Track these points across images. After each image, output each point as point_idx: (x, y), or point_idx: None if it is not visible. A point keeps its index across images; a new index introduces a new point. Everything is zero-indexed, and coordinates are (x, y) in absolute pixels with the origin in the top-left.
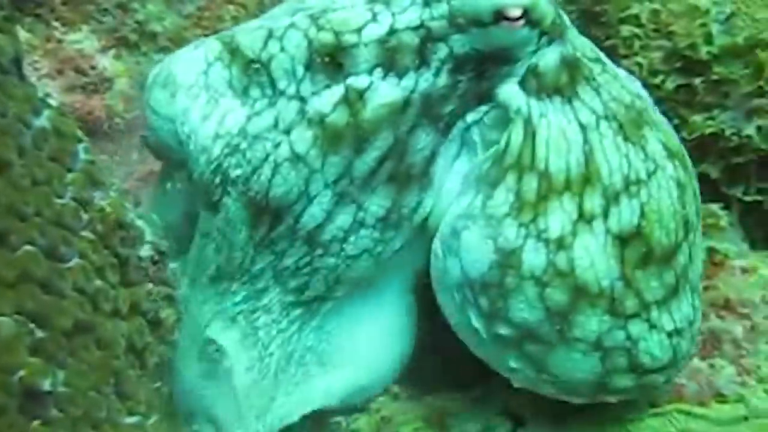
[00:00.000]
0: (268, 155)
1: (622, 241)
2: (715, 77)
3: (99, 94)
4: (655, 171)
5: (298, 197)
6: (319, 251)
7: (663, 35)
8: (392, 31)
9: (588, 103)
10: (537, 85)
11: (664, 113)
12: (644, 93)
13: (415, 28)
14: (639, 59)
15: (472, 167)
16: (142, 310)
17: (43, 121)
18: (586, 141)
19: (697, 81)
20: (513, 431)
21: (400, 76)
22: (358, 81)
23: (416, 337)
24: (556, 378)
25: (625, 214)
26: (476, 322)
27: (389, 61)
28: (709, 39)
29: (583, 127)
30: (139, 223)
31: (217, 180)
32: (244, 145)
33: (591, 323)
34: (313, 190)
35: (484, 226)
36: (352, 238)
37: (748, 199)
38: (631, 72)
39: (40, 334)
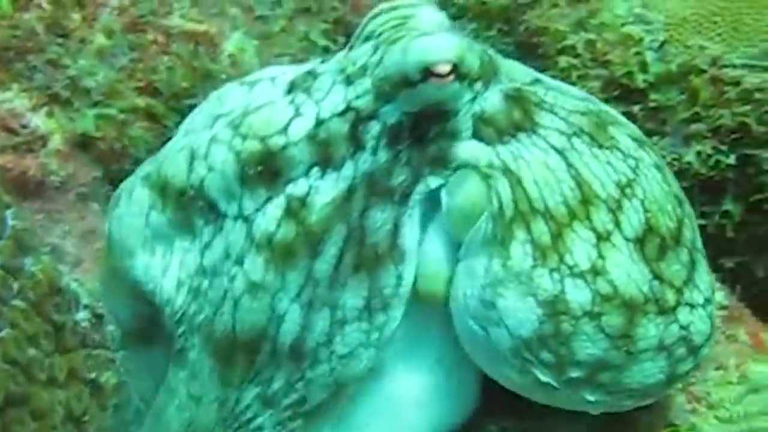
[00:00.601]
0: (226, 291)
1: (640, 241)
2: (652, 104)
3: (33, 153)
4: (637, 165)
5: (268, 323)
6: (308, 362)
7: (600, 64)
8: (320, 123)
9: (551, 126)
10: (494, 131)
11: None
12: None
13: (342, 114)
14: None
15: (465, 236)
16: (81, 376)
17: None
18: (569, 164)
19: (636, 108)
20: None
21: (338, 168)
22: (298, 188)
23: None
24: (632, 391)
25: (632, 217)
26: (545, 377)
27: (324, 157)
28: (644, 67)
29: (559, 152)
30: (74, 286)
31: (181, 329)
32: (205, 285)
33: (650, 331)
34: (279, 309)
35: (516, 287)
36: (338, 339)
37: None
38: None
39: None
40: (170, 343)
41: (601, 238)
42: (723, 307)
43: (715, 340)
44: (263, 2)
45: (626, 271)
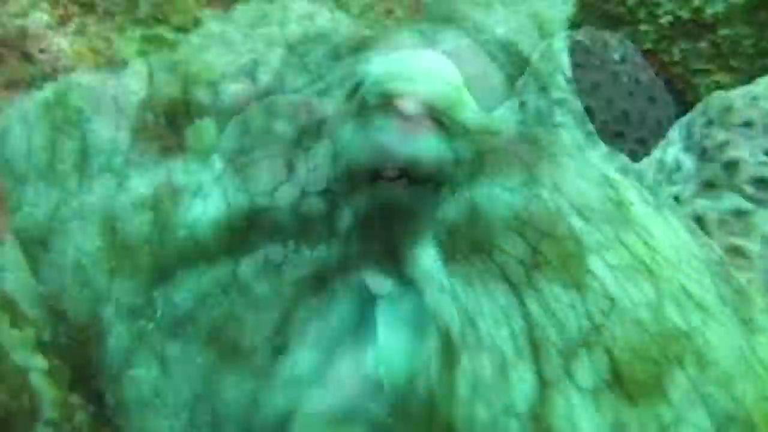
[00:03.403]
0: None
1: (598, 391)
2: None
3: None
4: (612, 306)
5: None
6: None
7: None
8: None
9: (511, 251)
10: (450, 245)
11: None
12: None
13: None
14: None
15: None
16: None
17: None
18: (521, 303)
19: None
20: None
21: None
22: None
23: None
24: None
25: (593, 365)
26: None
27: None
28: None
29: (513, 286)
30: None
31: None
32: None
33: None
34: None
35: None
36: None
37: None
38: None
39: None
40: None
41: (547, 384)
42: None
43: None
44: None
45: (573, 423)
